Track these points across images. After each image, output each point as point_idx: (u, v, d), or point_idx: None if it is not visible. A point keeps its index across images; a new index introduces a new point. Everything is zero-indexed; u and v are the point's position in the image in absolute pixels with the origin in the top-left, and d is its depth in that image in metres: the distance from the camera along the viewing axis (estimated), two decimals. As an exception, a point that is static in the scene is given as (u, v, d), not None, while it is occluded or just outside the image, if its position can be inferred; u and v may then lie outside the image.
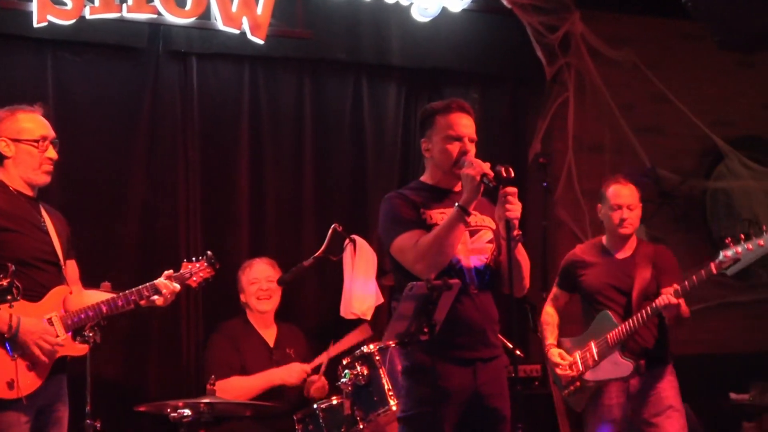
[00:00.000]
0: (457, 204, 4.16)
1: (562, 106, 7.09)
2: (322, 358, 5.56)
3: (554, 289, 5.67)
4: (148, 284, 4.49)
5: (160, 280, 4.52)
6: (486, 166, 4.15)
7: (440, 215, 4.28)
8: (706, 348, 7.05)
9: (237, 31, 5.89)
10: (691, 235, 7.49)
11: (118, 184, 5.85)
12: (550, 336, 5.54)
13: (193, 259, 4.75)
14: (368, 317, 5.66)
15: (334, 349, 5.56)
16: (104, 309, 4.40)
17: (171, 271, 4.61)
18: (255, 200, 6.13)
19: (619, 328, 5.15)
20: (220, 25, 5.87)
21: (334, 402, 5.04)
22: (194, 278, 4.69)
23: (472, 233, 4.36)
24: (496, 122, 6.85)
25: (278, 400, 5.38)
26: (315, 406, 5.11)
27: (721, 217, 7.65)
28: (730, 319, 7.26)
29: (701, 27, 6.85)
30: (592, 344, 5.28)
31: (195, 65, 6.02)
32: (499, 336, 4.51)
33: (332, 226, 5.50)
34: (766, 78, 7.65)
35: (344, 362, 4.90)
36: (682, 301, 5.06)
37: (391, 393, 4.79)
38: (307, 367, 5.52)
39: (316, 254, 5.49)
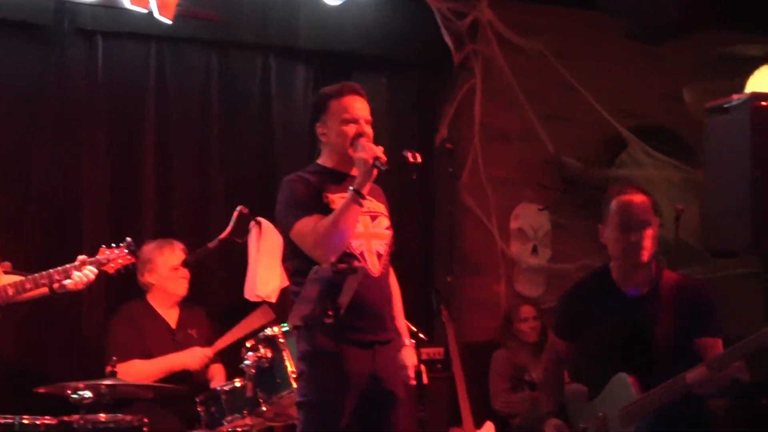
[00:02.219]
0: (351, 188, 4.22)
1: (470, 92, 7.15)
2: (224, 342, 5.58)
3: (550, 336, 4.70)
4: (59, 268, 4.47)
5: (73, 265, 4.50)
6: (379, 150, 4.23)
7: (340, 199, 4.32)
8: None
9: (145, 10, 5.84)
10: (594, 222, 7.58)
11: (22, 164, 5.78)
12: (549, 400, 4.55)
13: (112, 245, 4.71)
14: (273, 300, 5.68)
15: (236, 333, 5.58)
16: (10, 291, 4.37)
17: (85, 256, 4.58)
18: (161, 181, 6.11)
19: (637, 401, 4.05)
20: (127, 3, 5.82)
21: (237, 384, 5.06)
22: (112, 264, 4.67)
23: (373, 218, 4.44)
24: (404, 107, 6.92)
25: (180, 382, 5.38)
26: (218, 388, 5.13)
27: (623, 205, 7.79)
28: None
29: (608, 17, 6.99)
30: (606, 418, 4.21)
31: (101, 44, 5.97)
32: (404, 319, 4.62)
33: (238, 209, 5.51)
34: (671, 69, 7.80)
35: (248, 345, 4.93)
36: (740, 364, 3.96)
37: (294, 375, 4.83)
38: (209, 352, 5.53)
39: (221, 236, 5.49)
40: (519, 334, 6.77)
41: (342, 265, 4.00)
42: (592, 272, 4.48)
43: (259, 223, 5.62)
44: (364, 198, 4.24)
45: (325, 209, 4.33)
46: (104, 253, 4.68)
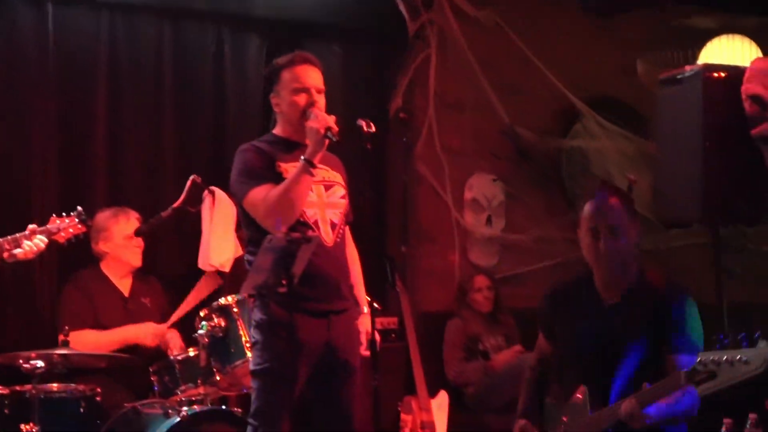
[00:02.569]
0: (302, 157, 4.23)
1: (424, 62, 7.15)
2: (178, 315, 5.57)
3: (539, 334, 4.35)
4: (9, 237, 4.43)
5: (23, 234, 4.47)
6: (331, 120, 4.25)
7: (293, 168, 4.32)
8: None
9: (96, -23, 5.80)
10: (548, 192, 7.67)
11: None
12: (522, 401, 4.22)
13: (63, 214, 4.68)
14: (226, 269, 5.68)
15: (188, 304, 5.57)
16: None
17: (35, 225, 4.55)
18: (113, 150, 6.07)
19: (586, 420, 3.77)
20: (77, -30, 5.78)
21: (191, 354, 5.07)
22: (62, 233, 4.63)
23: (327, 187, 4.45)
24: (359, 76, 6.92)
25: (133, 352, 5.36)
26: (171, 358, 5.13)
27: (576, 175, 7.85)
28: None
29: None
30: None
31: (51, 11, 5.91)
32: (362, 288, 4.66)
33: (191, 178, 5.49)
34: (624, 41, 7.84)
35: (201, 314, 4.94)
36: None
37: (248, 344, 4.84)
38: (164, 327, 5.51)
39: (174, 205, 5.47)
40: (473, 303, 6.82)
41: (296, 235, 4.03)
42: (578, 274, 4.11)
43: (212, 192, 5.60)
44: (314, 167, 4.25)
45: (278, 178, 4.33)
46: (55, 223, 4.64)
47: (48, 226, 4.59)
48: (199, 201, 5.58)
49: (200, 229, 5.67)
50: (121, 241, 5.56)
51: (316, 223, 4.38)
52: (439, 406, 6.23)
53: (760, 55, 6.24)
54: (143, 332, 5.47)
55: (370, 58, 7.02)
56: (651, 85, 5.68)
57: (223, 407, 5.17)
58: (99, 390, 5.05)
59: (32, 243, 4.49)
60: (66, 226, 4.65)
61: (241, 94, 6.48)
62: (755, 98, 5.08)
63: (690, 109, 5.13)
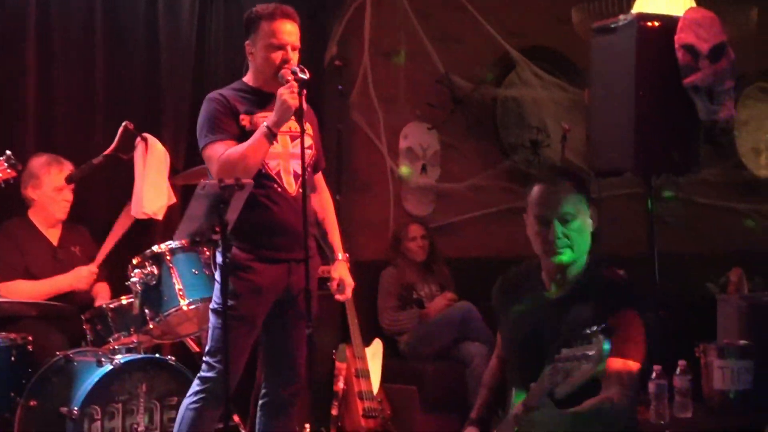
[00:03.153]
0: (265, 124, 4.25)
1: (359, 9, 7.14)
2: (103, 254, 5.55)
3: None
4: None
5: None
6: (295, 97, 4.25)
7: (263, 119, 4.35)
8: (492, 252, 7.34)
9: None
10: (482, 141, 7.72)
11: None
12: (476, 406, 3.82)
13: None
14: (159, 217, 5.66)
15: (110, 241, 5.57)
16: None
17: None
18: (42, 96, 5.96)
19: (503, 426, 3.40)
20: None
21: (124, 302, 5.06)
22: None
23: (293, 138, 4.47)
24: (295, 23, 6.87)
25: (65, 300, 5.35)
26: (103, 306, 5.12)
27: (510, 124, 7.91)
28: (517, 223, 7.55)
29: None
30: None
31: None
32: (337, 234, 4.77)
33: (123, 124, 5.44)
34: (560, -9, 7.90)
35: (134, 261, 4.93)
36: None
37: (182, 292, 4.84)
38: (93, 267, 5.48)
39: (106, 152, 5.43)
40: (407, 252, 6.87)
41: (229, 181, 4.02)
42: (526, 264, 3.74)
43: (145, 139, 5.55)
44: (275, 136, 4.28)
45: (241, 132, 4.38)
46: None
47: None
48: (132, 148, 5.54)
49: (133, 176, 5.64)
50: (50, 192, 5.49)
51: (278, 173, 4.45)
52: (374, 354, 6.29)
53: (694, 5, 6.30)
54: (76, 278, 5.43)
55: (304, 5, 6.96)
56: (585, 34, 5.71)
57: (157, 355, 5.16)
58: (30, 338, 5.03)
59: None
60: None
61: (174, 39, 6.39)
62: (688, 48, 5.14)
63: (623, 58, 5.17)
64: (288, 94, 4.24)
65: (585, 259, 3.46)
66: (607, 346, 2.86)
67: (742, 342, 4.98)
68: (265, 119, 4.33)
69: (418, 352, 6.64)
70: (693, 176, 7.64)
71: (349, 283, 4.72)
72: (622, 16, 5.35)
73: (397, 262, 6.90)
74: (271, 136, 4.26)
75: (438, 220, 7.37)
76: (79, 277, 5.43)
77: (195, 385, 4.42)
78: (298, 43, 4.46)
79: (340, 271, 4.67)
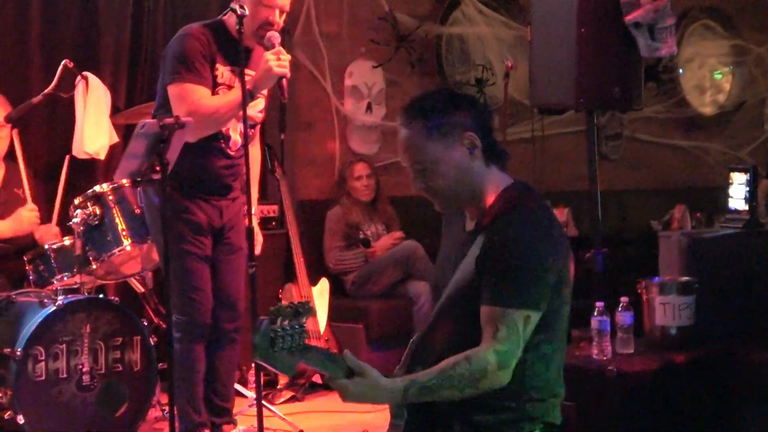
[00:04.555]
0: (248, 88, 4.26)
1: (302, -54, 7.11)
2: (56, 205, 5.53)
3: None
4: None
5: None
6: (288, 65, 4.38)
7: (229, 74, 4.47)
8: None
9: None
10: (425, 79, 7.73)
11: None
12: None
13: None
14: (102, 157, 5.64)
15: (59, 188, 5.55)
16: None
17: None
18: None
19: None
20: None
21: (66, 242, 5.05)
22: None
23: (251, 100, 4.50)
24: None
25: (5, 241, 5.33)
26: (46, 246, 5.11)
27: (455, 62, 7.92)
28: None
29: None
30: None
31: None
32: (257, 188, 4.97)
33: (63, 63, 5.40)
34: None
35: (76, 202, 4.92)
36: None
37: (125, 233, 4.84)
38: (34, 208, 5.43)
39: (46, 91, 5.39)
40: (353, 191, 6.89)
41: (169, 120, 4.03)
42: None
43: (85, 78, 5.52)
44: (254, 99, 4.42)
45: (213, 81, 4.46)
46: None
47: None
48: (72, 87, 5.51)
49: (74, 115, 5.60)
50: (-11, 128, 5.46)
51: (227, 131, 4.59)
52: (320, 293, 6.34)
53: (637, -59, 6.31)
54: (17, 223, 5.39)
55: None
56: (529, -30, 5.72)
57: (101, 296, 5.17)
58: (-28, 280, 5.03)
59: None
60: None
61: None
62: (630, -16, 5.16)
63: (566, -6, 5.19)
64: (275, 62, 4.32)
65: (483, 187, 2.85)
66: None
67: (684, 278, 5.04)
68: (232, 74, 4.45)
69: (365, 290, 6.70)
70: (636, 113, 7.76)
71: (260, 239, 4.84)
72: (564, -48, 5.35)
73: (342, 201, 6.92)
74: (249, 99, 4.30)
75: (383, 159, 7.39)
76: (21, 221, 5.39)
77: (174, 330, 4.51)
78: (287, 8, 4.53)
79: (251, 223, 4.71)
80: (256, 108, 4.66)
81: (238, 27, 4.28)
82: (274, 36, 4.41)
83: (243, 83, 4.20)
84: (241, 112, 4.24)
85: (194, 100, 4.37)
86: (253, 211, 4.72)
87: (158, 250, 4.76)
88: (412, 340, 2.91)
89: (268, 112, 5.52)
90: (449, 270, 2.85)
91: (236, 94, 4.32)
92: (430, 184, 2.80)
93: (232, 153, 4.59)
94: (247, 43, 4.45)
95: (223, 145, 4.56)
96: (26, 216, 5.41)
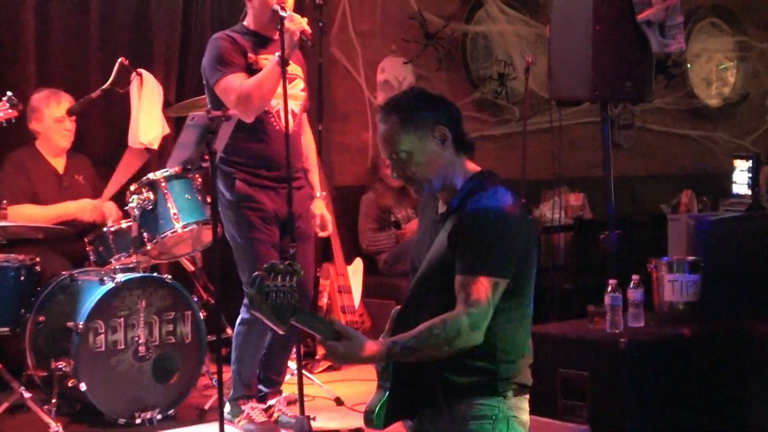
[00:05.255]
0: (277, 54, 4.31)
1: (339, -50, 7.10)
2: (112, 190, 5.56)
3: None
4: None
5: None
6: (304, 22, 4.36)
7: (263, 60, 4.46)
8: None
9: None
10: (452, 74, 7.73)
11: None
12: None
13: None
14: (155, 147, 5.68)
15: (118, 178, 5.57)
16: None
17: None
18: (40, 34, 5.90)
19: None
20: None
21: (123, 225, 5.09)
22: None
23: (290, 80, 4.54)
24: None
25: (69, 224, 5.36)
26: (105, 229, 5.15)
27: (479, 58, 7.91)
28: (486, 149, 7.59)
29: None
30: None
31: None
32: (317, 173, 4.91)
33: (119, 60, 5.43)
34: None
35: (132, 188, 4.96)
36: None
37: (176, 216, 4.88)
38: (100, 202, 5.49)
39: (104, 86, 5.43)
40: (384, 178, 6.89)
41: (217, 112, 4.06)
42: None
43: (139, 74, 5.56)
44: (288, 65, 4.36)
45: (251, 70, 4.46)
46: None
47: None
48: (127, 82, 5.54)
49: (129, 109, 5.64)
50: (51, 123, 5.48)
51: (278, 112, 4.56)
52: (355, 271, 6.36)
53: (648, -55, 6.28)
54: (81, 208, 5.43)
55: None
56: (549, -27, 5.71)
57: (155, 274, 5.19)
58: (38, 259, 5.06)
59: None
60: None
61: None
62: (641, -14, 5.15)
63: (582, -5, 5.17)
64: (291, 24, 4.32)
65: (453, 171, 2.90)
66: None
67: (690, 258, 5.02)
68: (267, 61, 4.42)
69: (396, 269, 6.70)
70: (647, 105, 7.73)
71: (328, 218, 4.85)
72: (581, -43, 5.33)
73: (375, 186, 6.93)
74: (284, 63, 4.31)
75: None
76: (85, 209, 5.43)
77: (242, 312, 4.62)
78: None
79: (320, 208, 4.80)
80: (297, 87, 4.65)
81: (279, 28, 4.31)
82: (283, 8, 4.39)
83: (284, 65, 4.29)
84: (278, 83, 4.34)
85: (237, 86, 4.40)
86: (318, 195, 4.80)
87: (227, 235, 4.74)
88: (393, 310, 2.97)
89: (309, 109, 5.57)
90: (425, 248, 2.91)
91: (271, 66, 4.35)
92: (407, 171, 2.86)
93: (288, 131, 4.52)
94: (268, 34, 4.50)
95: (275, 123, 4.55)
96: (89, 207, 5.45)
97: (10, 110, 4.61)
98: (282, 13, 4.35)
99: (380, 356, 2.76)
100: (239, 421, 4.63)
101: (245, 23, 4.66)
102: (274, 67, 4.33)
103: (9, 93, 4.63)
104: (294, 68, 4.61)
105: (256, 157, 4.55)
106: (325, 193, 4.98)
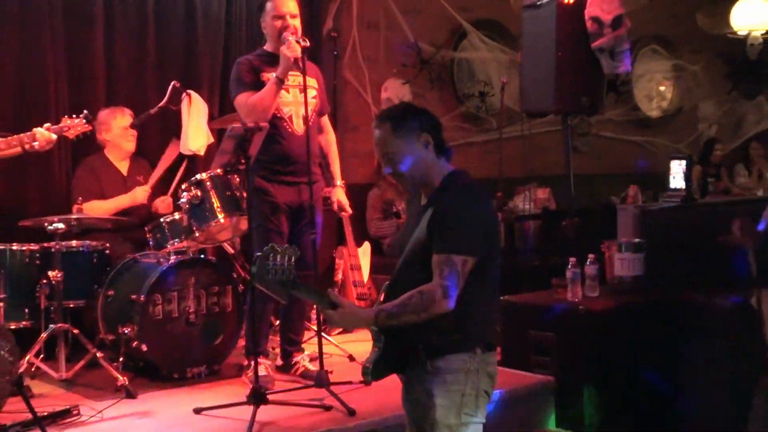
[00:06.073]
0: (275, 75, 4.35)
1: (349, -7, 7.08)
2: (155, 178, 5.55)
3: None
4: (28, 133, 4.35)
5: (38, 129, 4.39)
6: (298, 49, 4.33)
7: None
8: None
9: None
10: (442, 92, 7.72)
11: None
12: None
13: (73, 116, 4.59)
14: (201, 153, 5.66)
15: (159, 169, 5.60)
16: (-10, 151, 4.27)
17: (50, 124, 4.47)
18: (109, 61, 5.89)
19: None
20: None
21: (176, 217, 5.08)
22: (71, 131, 4.54)
23: (302, 90, 4.49)
24: (300, 5, 6.77)
25: (132, 216, 5.37)
26: (161, 220, 5.14)
27: (463, 79, 7.89)
28: (470, 153, 7.58)
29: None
30: None
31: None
32: (338, 164, 4.90)
33: (172, 84, 5.42)
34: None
35: (183, 187, 4.95)
36: None
37: (219, 209, 4.87)
38: (147, 187, 5.48)
39: (160, 104, 5.41)
40: (387, 177, 6.84)
41: (251, 124, 4.06)
42: None
43: (189, 95, 5.53)
44: (283, 83, 4.38)
45: (262, 85, 4.46)
46: (65, 122, 4.55)
47: (60, 125, 4.50)
48: (179, 101, 5.52)
49: (180, 122, 5.63)
50: (119, 132, 5.48)
51: (290, 117, 4.59)
52: (364, 253, 6.35)
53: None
54: (132, 195, 5.41)
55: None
56: (518, 9, 5.68)
57: (201, 256, 5.19)
58: (107, 245, 5.07)
59: (45, 138, 4.39)
60: (74, 125, 4.55)
61: (207, 15, 6.27)
62: (595, 19, 5.13)
63: (546, 27, 5.15)
64: (286, 50, 4.32)
65: (436, 171, 2.89)
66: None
67: (636, 240, 5.03)
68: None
69: (396, 250, 6.66)
70: (600, 116, 7.71)
71: (345, 202, 4.85)
72: (545, -4, 5.32)
73: (380, 184, 6.91)
74: (280, 82, 4.35)
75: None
76: (136, 194, 5.42)
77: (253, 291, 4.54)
78: (296, 12, 4.53)
79: (339, 195, 4.81)
80: (309, 95, 4.59)
81: (302, 56, 4.32)
82: (287, 35, 4.40)
83: (304, 74, 4.34)
84: (276, 97, 4.39)
85: (247, 101, 4.44)
86: (338, 183, 4.81)
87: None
88: (384, 285, 2.97)
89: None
90: (408, 236, 2.92)
91: (269, 84, 4.38)
92: (396, 169, 2.87)
93: (300, 134, 4.54)
94: (279, 52, 4.45)
95: (288, 127, 4.52)
96: (140, 192, 5.44)
97: (86, 125, 4.60)
98: (285, 39, 4.37)
99: (369, 321, 2.80)
100: (247, 373, 4.61)
101: (265, 47, 4.67)
102: (271, 85, 4.37)
103: (85, 111, 4.62)
104: (308, 80, 4.58)
105: (274, 156, 4.53)
106: (344, 182, 4.95)
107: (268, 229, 4.50)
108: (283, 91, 4.49)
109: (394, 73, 7.40)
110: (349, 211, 4.97)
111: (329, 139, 4.90)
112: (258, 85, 4.47)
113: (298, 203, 4.57)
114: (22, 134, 4.33)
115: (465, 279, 2.75)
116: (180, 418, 4.12)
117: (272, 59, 4.52)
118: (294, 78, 4.49)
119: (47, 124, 4.45)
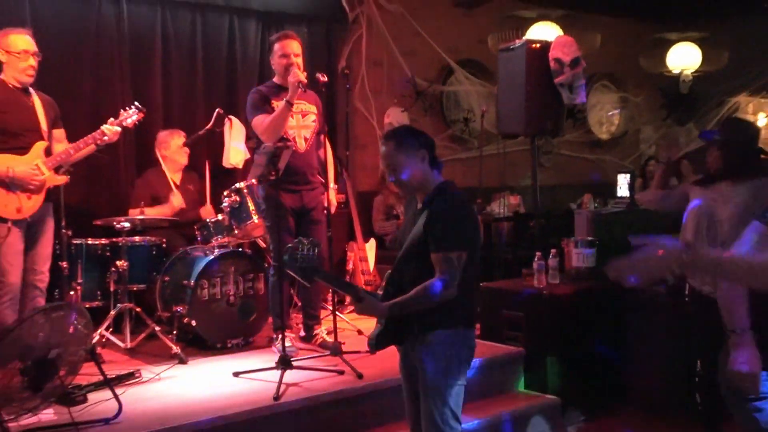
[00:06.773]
0: (285, 99, 4.34)
1: (359, 37, 7.06)
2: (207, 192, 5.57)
3: None
4: (97, 131, 4.35)
5: (104, 126, 4.38)
6: (302, 76, 4.32)
7: (280, 104, 4.42)
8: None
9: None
10: (433, 118, 7.70)
11: (77, 84, 5.55)
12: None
13: (127, 107, 4.56)
14: (240, 166, 5.69)
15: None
16: (72, 151, 4.27)
17: (113, 119, 4.47)
18: (165, 92, 5.92)
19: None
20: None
21: (219, 218, 5.10)
22: (129, 121, 4.49)
23: (303, 115, 4.52)
24: (318, 47, 6.80)
25: (185, 218, 5.37)
26: (207, 220, 5.16)
27: (451, 107, 7.89)
28: (456, 168, 7.59)
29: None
30: None
31: (125, 7, 5.70)
32: (332, 173, 4.84)
33: (216, 110, 5.44)
34: (480, 23, 7.82)
35: (225, 194, 4.96)
36: None
37: (253, 211, 4.89)
38: (178, 193, 5.39)
39: (207, 127, 5.43)
40: (389, 186, 6.83)
41: (280, 143, 4.08)
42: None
43: (230, 119, 5.57)
44: (292, 105, 4.35)
45: (271, 110, 4.43)
46: (122, 114, 4.49)
47: (119, 118, 4.46)
48: (222, 125, 5.55)
49: (223, 141, 5.65)
50: (175, 149, 5.50)
51: (293, 138, 4.51)
52: (370, 247, 6.35)
53: (561, 33, 6.25)
54: (170, 205, 5.33)
55: (325, 34, 6.91)
56: (496, 51, 5.70)
57: (240, 249, 5.20)
58: (164, 240, 5.09)
59: (112, 131, 4.36)
60: (129, 115, 4.49)
61: (244, 59, 6.32)
62: (557, 60, 5.14)
63: (518, 66, 5.16)
64: (291, 77, 4.32)
65: (431, 178, 2.90)
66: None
67: (589, 237, 5.04)
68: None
69: (396, 246, 6.65)
70: (560, 138, 7.71)
71: (334, 202, 4.80)
72: (517, 41, 5.33)
73: (383, 192, 6.91)
74: (289, 105, 4.33)
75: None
76: (172, 204, 5.34)
77: (271, 271, 4.59)
78: (299, 52, 4.52)
79: (330, 195, 4.75)
80: (309, 119, 4.61)
81: (321, 88, 4.34)
82: (291, 69, 4.40)
83: (289, 101, 4.23)
84: (287, 121, 4.36)
85: (260, 123, 4.42)
86: (331, 186, 4.76)
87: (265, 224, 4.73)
88: (386, 274, 2.98)
89: (338, 139, 5.57)
90: (407, 233, 2.93)
91: (279, 108, 4.36)
92: (398, 177, 2.88)
93: (302, 151, 4.54)
94: (286, 85, 4.43)
95: (291, 144, 4.49)
96: (175, 200, 5.37)
97: (138, 113, 4.52)
98: (290, 70, 4.38)
99: (384, 313, 2.84)
100: (274, 345, 4.63)
101: (273, 79, 4.66)
102: (282, 108, 4.35)
103: (136, 102, 4.58)
104: (308, 106, 4.59)
105: (284, 171, 4.51)
106: (335, 186, 4.95)
107: (278, 227, 4.45)
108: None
109: (394, 102, 7.41)
110: (333, 208, 4.84)
111: (326, 153, 4.90)
112: (269, 110, 4.47)
113: (300, 206, 4.58)
114: (92, 133, 4.33)
115: (461, 270, 2.77)
116: (222, 380, 4.15)
117: (279, 90, 4.52)
118: (297, 105, 4.49)
119: (111, 120, 4.43)
